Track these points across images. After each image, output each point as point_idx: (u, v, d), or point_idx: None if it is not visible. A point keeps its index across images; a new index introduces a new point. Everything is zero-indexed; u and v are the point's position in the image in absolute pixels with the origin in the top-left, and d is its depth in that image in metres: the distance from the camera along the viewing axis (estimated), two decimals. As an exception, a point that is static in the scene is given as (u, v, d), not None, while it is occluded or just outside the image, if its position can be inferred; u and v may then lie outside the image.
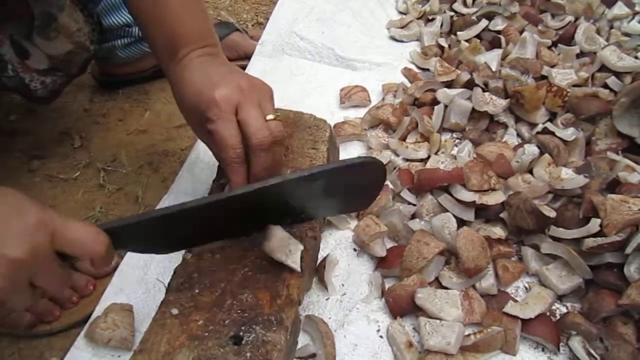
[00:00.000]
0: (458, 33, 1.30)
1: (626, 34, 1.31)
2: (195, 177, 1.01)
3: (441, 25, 1.37)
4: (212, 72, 0.74)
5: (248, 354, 0.65)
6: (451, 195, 0.88)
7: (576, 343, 0.75)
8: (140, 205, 1.02)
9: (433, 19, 1.39)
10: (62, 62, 0.92)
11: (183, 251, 0.78)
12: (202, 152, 1.05)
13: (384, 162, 0.99)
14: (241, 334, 0.67)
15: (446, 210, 0.87)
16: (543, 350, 0.77)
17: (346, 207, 0.83)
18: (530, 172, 0.95)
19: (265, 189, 0.65)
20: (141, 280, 0.86)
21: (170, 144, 1.14)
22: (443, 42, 1.31)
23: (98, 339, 0.78)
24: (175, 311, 0.70)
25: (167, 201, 0.98)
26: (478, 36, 1.29)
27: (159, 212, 0.64)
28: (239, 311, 0.69)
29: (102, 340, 0.78)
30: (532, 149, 0.95)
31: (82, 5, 0.92)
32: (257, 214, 0.72)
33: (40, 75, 0.90)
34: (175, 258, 0.78)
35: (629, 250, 0.78)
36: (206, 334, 0.67)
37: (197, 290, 0.72)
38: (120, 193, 1.05)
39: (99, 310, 0.83)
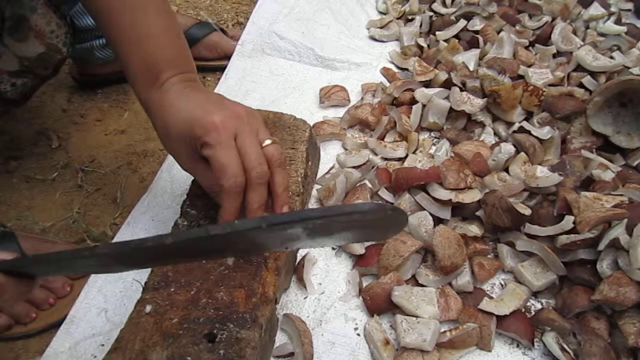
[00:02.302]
0: (437, 33, 1.31)
1: (602, 34, 1.33)
2: (174, 177, 1.01)
3: (420, 25, 1.37)
4: (203, 98, 0.72)
5: (221, 352, 0.65)
6: (428, 193, 0.89)
7: (550, 338, 0.76)
8: (119, 206, 1.01)
9: (412, 19, 1.40)
10: (34, 64, 0.91)
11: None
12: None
13: (363, 161, 1.00)
14: (215, 331, 0.67)
15: (423, 209, 0.88)
16: (518, 346, 0.78)
17: (353, 240, 0.76)
18: (507, 170, 0.96)
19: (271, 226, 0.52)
20: (118, 280, 0.86)
21: (149, 144, 1.13)
22: (422, 42, 1.32)
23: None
24: (150, 310, 0.70)
25: (147, 201, 0.98)
26: (457, 36, 1.30)
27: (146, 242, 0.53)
28: (214, 309, 0.69)
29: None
30: (508, 148, 0.96)
31: (55, 7, 0.91)
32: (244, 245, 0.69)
33: (11, 77, 0.88)
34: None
35: (601, 246, 0.79)
36: (180, 332, 0.67)
37: (172, 289, 0.72)
38: (99, 194, 1.05)
39: (75, 311, 0.83)
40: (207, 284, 0.73)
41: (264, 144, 0.70)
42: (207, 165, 0.68)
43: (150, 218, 0.95)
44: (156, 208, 0.96)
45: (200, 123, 0.67)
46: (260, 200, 0.69)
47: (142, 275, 0.83)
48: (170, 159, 1.05)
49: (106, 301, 0.84)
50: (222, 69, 1.28)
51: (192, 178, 0.87)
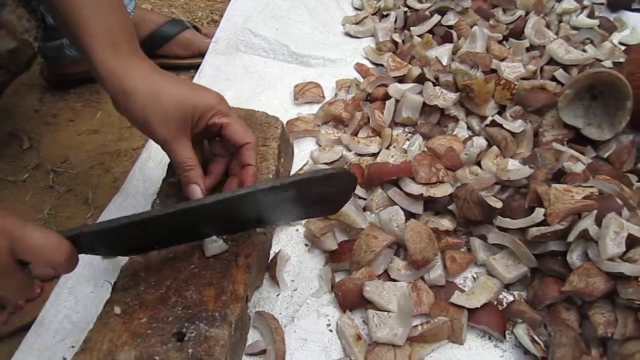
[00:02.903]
0: (411, 28, 1.31)
1: (575, 28, 1.34)
2: (146, 176, 1.00)
3: (395, 21, 1.38)
4: (167, 75, 0.75)
5: (190, 350, 0.64)
6: (400, 188, 0.89)
7: (521, 330, 0.76)
8: (90, 207, 1.00)
9: (387, 15, 1.40)
10: (5, 60, 0.90)
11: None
12: (153, 151, 1.03)
13: (336, 157, 1.00)
14: (184, 330, 0.67)
15: (395, 204, 0.88)
16: (490, 338, 0.78)
17: (314, 213, 0.82)
18: (479, 164, 0.96)
19: (241, 196, 0.65)
20: (89, 281, 0.85)
21: (122, 144, 1.12)
22: (397, 37, 1.32)
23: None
24: (119, 310, 0.69)
25: (118, 201, 0.97)
26: (431, 31, 1.30)
27: (125, 219, 0.64)
28: (183, 308, 0.69)
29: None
30: (480, 142, 0.96)
31: (25, 1, 0.90)
32: (221, 221, 0.72)
33: None
34: (124, 258, 0.77)
35: (571, 238, 0.79)
36: (149, 331, 0.67)
37: (142, 289, 0.72)
38: (70, 194, 1.03)
39: (45, 313, 0.82)
40: (177, 283, 0.72)
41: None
42: (188, 141, 0.73)
43: (122, 218, 0.94)
44: (128, 208, 0.95)
45: (209, 96, 0.74)
46: (254, 167, 0.77)
47: (113, 276, 0.83)
48: (142, 157, 1.04)
49: (77, 303, 0.83)
50: (196, 66, 1.27)
51: (164, 177, 0.87)
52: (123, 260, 0.76)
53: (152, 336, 0.66)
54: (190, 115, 0.72)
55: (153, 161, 1.02)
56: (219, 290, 0.71)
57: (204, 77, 1.23)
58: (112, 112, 1.20)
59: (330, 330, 0.78)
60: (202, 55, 1.29)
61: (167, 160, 0.86)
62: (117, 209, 0.95)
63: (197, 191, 0.73)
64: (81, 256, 0.87)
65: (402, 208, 0.87)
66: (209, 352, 0.65)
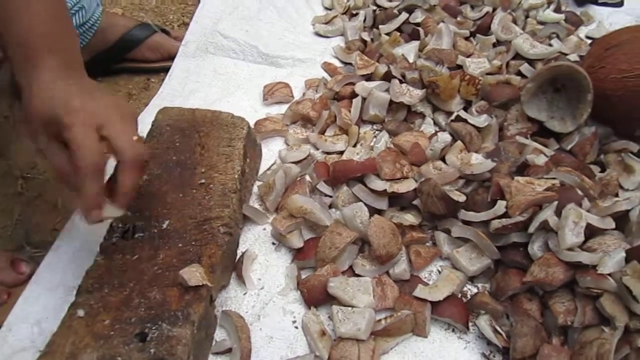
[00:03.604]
0: (380, 27, 1.32)
1: (541, 23, 1.36)
2: (114, 179, 1.00)
3: (364, 20, 1.38)
4: (73, 85, 0.69)
5: (152, 350, 0.65)
6: (365, 185, 0.90)
7: (483, 321, 0.77)
8: (60, 212, 1.00)
9: (357, 14, 1.40)
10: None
11: (96, 253, 0.77)
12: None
13: (303, 156, 1.00)
14: (146, 330, 0.67)
15: (360, 200, 0.89)
16: (454, 330, 0.80)
17: None
18: (444, 159, 0.97)
19: None
20: (58, 287, 0.85)
21: (91, 148, 1.12)
22: (366, 36, 1.33)
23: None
24: (82, 313, 0.70)
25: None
26: (399, 29, 1.31)
27: None
28: (147, 309, 0.70)
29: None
30: (444, 137, 0.98)
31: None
32: None
33: None
34: (90, 261, 0.77)
35: (531, 229, 0.81)
36: (112, 333, 0.67)
37: (106, 291, 0.72)
38: (40, 200, 1.03)
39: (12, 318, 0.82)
40: (141, 285, 0.73)
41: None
42: (62, 151, 0.66)
43: (89, 222, 0.94)
44: (96, 211, 0.95)
45: (63, 104, 0.65)
46: (131, 181, 0.69)
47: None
48: (110, 162, 1.04)
49: (44, 308, 0.83)
50: (166, 69, 1.27)
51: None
52: (89, 263, 0.77)
53: (114, 337, 0.67)
54: (54, 127, 0.66)
55: (121, 164, 1.02)
56: (182, 290, 0.72)
57: (173, 80, 1.23)
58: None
59: (296, 327, 0.79)
60: (172, 58, 1.29)
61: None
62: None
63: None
64: (52, 262, 0.88)
65: (367, 204, 0.88)
66: (171, 352, 0.65)
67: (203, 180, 0.85)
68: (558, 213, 0.81)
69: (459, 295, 0.83)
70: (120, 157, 0.68)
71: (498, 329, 0.77)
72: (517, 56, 1.21)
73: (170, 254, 0.76)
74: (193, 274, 0.72)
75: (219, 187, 0.85)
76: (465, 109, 1.10)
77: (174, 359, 0.65)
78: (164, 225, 0.80)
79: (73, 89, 0.68)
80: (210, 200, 0.83)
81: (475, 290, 0.84)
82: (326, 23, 1.40)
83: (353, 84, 1.13)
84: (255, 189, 0.97)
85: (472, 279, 0.86)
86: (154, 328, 0.67)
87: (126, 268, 0.75)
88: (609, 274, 0.74)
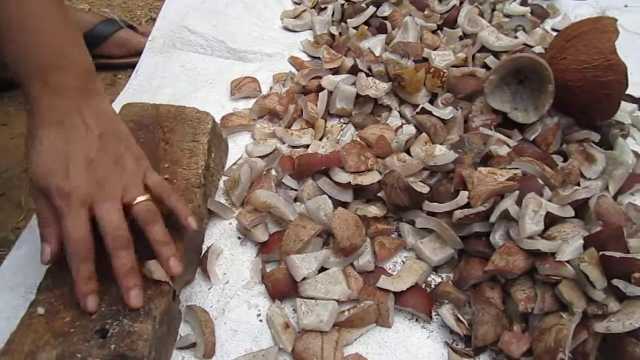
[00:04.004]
0: (348, 20, 1.32)
1: (507, 16, 1.38)
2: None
3: (333, 14, 1.39)
4: (72, 150, 0.68)
5: (112, 346, 0.65)
6: (330, 178, 0.90)
7: (445, 310, 0.78)
8: (23, 210, 0.99)
9: (325, 8, 1.41)
10: None
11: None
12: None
13: (269, 150, 1.00)
14: (107, 326, 0.67)
15: (325, 194, 0.89)
16: (417, 320, 0.80)
17: None
18: (409, 151, 0.98)
19: None
20: (19, 285, 0.84)
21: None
22: (334, 30, 1.33)
23: None
24: (41, 310, 0.69)
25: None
26: (367, 23, 1.32)
27: None
28: (108, 305, 0.69)
29: None
30: (409, 129, 0.98)
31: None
32: None
33: None
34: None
35: (493, 219, 0.82)
36: (72, 330, 0.66)
37: (66, 289, 0.71)
38: (3, 198, 1.02)
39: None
40: (102, 281, 0.72)
41: (134, 202, 0.70)
42: (49, 204, 0.68)
43: (53, 220, 0.93)
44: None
45: (55, 185, 0.65)
46: (125, 264, 0.68)
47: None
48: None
49: (5, 307, 0.81)
50: (132, 65, 1.26)
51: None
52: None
53: (74, 334, 0.66)
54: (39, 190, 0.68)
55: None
56: (145, 285, 0.71)
57: (140, 76, 1.23)
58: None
59: (261, 321, 0.79)
60: (138, 54, 1.28)
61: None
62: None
63: (43, 250, 0.69)
64: (14, 261, 0.87)
65: (331, 197, 0.88)
66: (132, 347, 0.65)
67: (167, 176, 0.85)
68: (519, 202, 0.82)
69: (423, 286, 0.84)
70: (105, 243, 0.68)
71: (460, 317, 0.77)
72: (483, 49, 1.22)
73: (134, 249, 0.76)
74: (158, 268, 0.72)
75: (183, 182, 0.85)
76: (431, 102, 1.11)
77: (134, 354, 0.64)
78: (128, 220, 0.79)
79: (68, 160, 0.67)
80: (174, 196, 0.82)
81: (439, 280, 0.85)
82: (295, 17, 1.40)
83: (320, 77, 1.13)
84: (221, 183, 0.97)
85: (436, 269, 0.86)
86: (114, 324, 0.67)
87: (88, 265, 0.74)
88: (568, 261, 0.75)
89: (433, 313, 0.80)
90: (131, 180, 0.71)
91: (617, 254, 0.72)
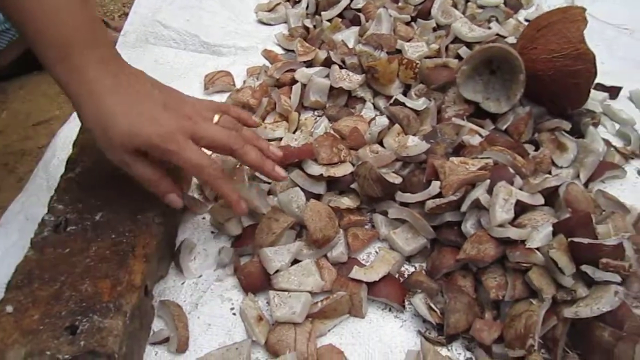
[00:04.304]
0: (322, 13, 1.32)
1: (481, 7, 1.38)
2: (50, 174, 0.98)
3: (307, 7, 1.38)
4: (143, 101, 0.70)
5: (82, 342, 0.64)
6: (303, 170, 0.90)
7: (418, 300, 0.79)
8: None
9: (300, 1, 1.40)
10: None
11: (26, 249, 0.76)
12: (58, 148, 1.02)
13: (243, 143, 1.00)
14: (77, 323, 0.66)
15: (298, 186, 0.89)
16: (390, 310, 0.81)
17: None
18: (382, 143, 0.98)
19: None
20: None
21: (28, 143, 1.10)
22: (308, 23, 1.33)
23: None
24: (10, 309, 0.68)
25: (21, 200, 0.95)
26: (341, 15, 1.31)
27: None
28: (78, 302, 0.68)
29: None
30: (382, 121, 0.99)
31: None
32: None
33: None
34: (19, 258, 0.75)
35: (464, 208, 0.82)
36: (41, 327, 0.66)
37: (36, 286, 0.71)
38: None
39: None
40: (72, 278, 0.71)
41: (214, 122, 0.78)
42: (147, 162, 0.72)
43: (24, 218, 0.92)
44: (31, 207, 0.93)
45: (156, 133, 0.68)
46: (258, 154, 0.78)
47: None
48: (47, 156, 1.02)
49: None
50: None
51: (62, 174, 0.86)
52: (19, 259, 0.75)
53: (44, 332, 0.66)
54: (135, 150, 0.70)
55: (57, 159, 1.00)
56: (115, 281, 0.71)
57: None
58: (18, 111, 1.17)
59: (234, 314, 0.79)
60: (110, 49, 1.26)
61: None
62: (20, 208, 0.94)
63: (173, 200, 0.76)
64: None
65: (305, 190, 0.88)
66: (102, 343, 0.65)
67: (138, 171, 0.84)
68: (490, 191, 0.83)
69: (397, 276, 0.84)
70: (231, 148, 0.75)
71: (433, 306, 0.78)
72: (457, 40, 1.22)
73: (103, 245, 0.75)
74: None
75: (154, 177, 0.84)
76: (405, 93, 1.11)
77: (104, 350, 0.64)
78: (97, 217, 0.79)
79: (149, 110, 0.70)
80: (145, 191, 0.82)
81: (412, 269, 0.86)
82: (269, 11, 1.40)
83: (294, 70, 1.13)
84: (195, 179, 0.97)
85: (409, 259, 0.87)
86: (84, 320, 0.67)
87: (57, 262, 0.73)
88: (537, 248, 0.76)
89: (406, 302, 0.81)
90: (203, 109, 0.78)
91: (585, 240, 0.73)
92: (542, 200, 0.83)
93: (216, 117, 0.79)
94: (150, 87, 0.74)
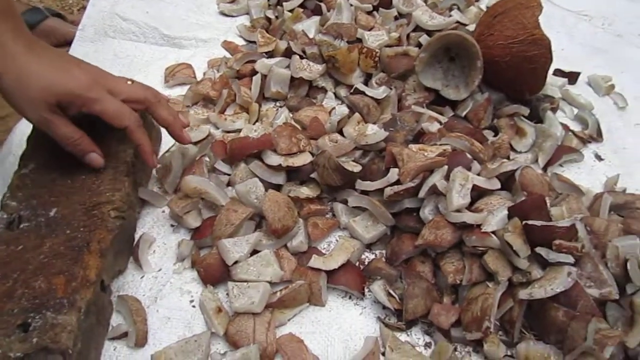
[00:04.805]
0: (283, 3, 1.31)
1: (443, -5, 1.38)
2: (7, 171, 0.96)
3: (269, -2, 1.37)
4: (57, 59, 0.73)
5: (35, 339, 0.63)
6: (262, 161, 0.90)
7: (376, 286, 0.79)
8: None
9: (262, -8, 1.39)
10: None
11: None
12: (14, 145, 1.00)
13: (203, 136, 1.00)
14: (29, 320, 0.65)
15: (257, 177, 0.89)
16: (350, 297, 0.81)
17: None
18: (342, 132, 0.98)
19: None
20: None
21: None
22: (270, 13, 1.32)
23: None
24: (-38, 309, 0.67)
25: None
26: (303, 5, 1.31)
27: None
28: (31, 299, 0.67)
29: None
30: (341, 110, 0.99)
31: None
32: None
33: None
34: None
35: (421, 194, 0.83)
36: (-8, 326, 0.65)
37: (-14, 284, 0.70)
38: None
39: None
40: (25, 275, 0.70)
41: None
42: (67, 120, 0.74)
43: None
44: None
45: (76, 82, 0.72)
46: (172, 112, 0.84)
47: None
48: (2, 153, 1.01)
49: None
50: (63, 55, 1.23)
51: (15, 170, 0.84)
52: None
53: (-5, 331, 0.65)
54: (56, 102, 0.71)
55: (13, 155, 0.99)
56: (70, 277, 0.70)
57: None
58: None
59: (194, 306, 0.79)
60: (68, 43, 1.24)
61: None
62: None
63: (94, 159, 0.78)
64: None
65: (264, 180, 0.88)
66: (55, 340, 0.64)
67: (93, 166, 0.83)
68: (447, 177, 0.83)
69: (357, 263, 0.85)
70: (147, 102, 0.80)
71: (392, 292, 0.79)
72: (418, 28, 1.22)
73: (57, 241, 0.74)
74: None
75: (110, 171, 0.83)
76: (366, 82, 1.12)
77: (58, 346, 0.63)
78: (52, 213, 0.78)
79: (64, 65, 0.73)
80: (101, 185, 0.81)
81: (373, 257, 0.86)
82: (231, 2, 1.38)
83: (254, 61, 1.12)
84: (154, 172, 0.96)
85: (369, 247, 0.87)
86: (37, 317, 0.65)
87: (10, 259, 0.72)
88: (493, 232, 0.77)
89: (366, 290, 0.81)
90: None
91: (539, 223, 0.74)
92: (498, 185, 0.84)
93: (129, 82, 0.82)
94: (63, 51, 0.79)
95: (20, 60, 0.70)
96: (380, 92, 1.05)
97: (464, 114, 1.03)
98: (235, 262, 0.79)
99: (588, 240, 0.78)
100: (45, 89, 0.70)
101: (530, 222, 0.75)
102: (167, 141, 1.01)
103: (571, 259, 0.74)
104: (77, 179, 0.82)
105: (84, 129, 0.78)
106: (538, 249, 0.74)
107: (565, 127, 1.07)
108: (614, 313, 0.74)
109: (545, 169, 1.00)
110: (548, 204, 0.79)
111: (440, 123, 0.98)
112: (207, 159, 0.95)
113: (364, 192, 0.88)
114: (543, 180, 0.87)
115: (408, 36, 1.21)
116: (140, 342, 0.74)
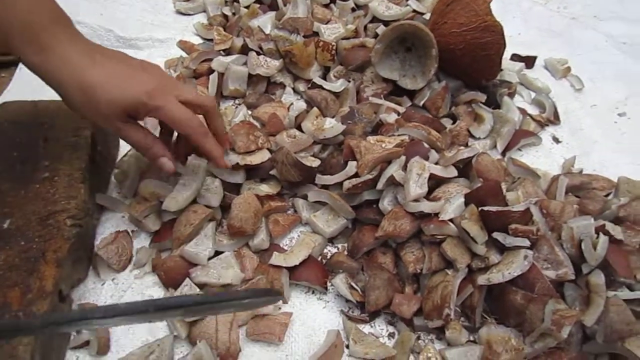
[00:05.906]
0: (240, 0, 1.30)
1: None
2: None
3: (225, -6, 1.36)
4: (121, 66, 0.72)
5: (-10, 356, 0.63)
6: (220, 160, 0.89)
7: (338, 280, 0.79)
8: None
9: (218, -11, 1.38)
10: None
11: None
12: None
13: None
14: (-16, 336, 0.64)
15: (216, 177, 0.88)
16: (313, 292, 0.81)
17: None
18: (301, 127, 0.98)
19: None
20: None
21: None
22: (227, 10, 1.31)
23: None
24: None
25: None
26: (259, 1, 1.30)
27: None
28: (-14, 313, 0.67)
29: None
30: (299, 105, 0.98)
31: None
32: None
33: None
34: None
35: (380, 185, 0.83)
36: (-54, 344, 0.64)
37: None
38: None
39: None
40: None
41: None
42: (138, 127, 0.74)
43: None
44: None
45: (139, 90, 0.70)
46: (223, 124, 0.83)
47: None
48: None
49: None
50: (16, 63, 1.20)
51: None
52: None
53: (-51, 349, 0.64)
54: (124, 112, 0.71)
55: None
56: (25, 289, 0.69)
57: (25, 72, 1.16)
58: None
59: (156, 311, 0.78)
60: (22, 49, 1.22)
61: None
62: None
63: (165, 163, 0.76)
64: None
65: (223, 180, 0.87)
66: (12, 353, 0.63)
67: (47, 174, 0.82)
68: (405, 167, 0.84)
69: (319, 258, 0.85)
70: (207, 109, 0.78)
71: (354, 285, 0.79)
72: (375, 19, 1.23)
73: (12, 253, 0.73)
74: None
75: (65, 179, 0.82)
76: (325, 76, 1.11)
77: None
78: (5, 225, 0.76)
79: (129, 72, 0.72)
80: (55, 194, 0.80)
81: (335, 251, 0.86)
82: (187, 0, 1.37)
83: (211, 60, 1.11)
84: (113, 177, 0.95)
85: (331, 241, 0.88)
86: (-7, 332, 0.65)
87: (-37, 275, 0.71)
88: (450, 220, 0.78)
89: (329, 284, 0.81)
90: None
91: (494, 208, 0.75)
92: (455, 173, 0.85)
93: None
94: (123, 55, 0.75)
95: (83, 73, 0.69)
96: (338, 85, 1.05)
97: (422, 103, 1.03)
98: (195, 265, 0.79)
99: (544, 223, 0.79)
100: (111, 102, 0.69)
101: (486, 208, 0.75)
102: (125, 144, 1.00)
103: (527, 243, 0.75)
104: (31, 188, 0.80)
105: None
106: (495, 234, 0.75)
107: (523, 111, 1.09)
108: (571, 293, 0.75)
109: (503, 154, 1.01)
110: (504, 189, 0.80)
111: (398, 113, 0.98)
112: (165, 161, 0.94)
113: (324, 187, 0.88)
114: (499, 166, 0.87)
115: (365, 28, 1.21)
116: (102, 350, 0.73)
